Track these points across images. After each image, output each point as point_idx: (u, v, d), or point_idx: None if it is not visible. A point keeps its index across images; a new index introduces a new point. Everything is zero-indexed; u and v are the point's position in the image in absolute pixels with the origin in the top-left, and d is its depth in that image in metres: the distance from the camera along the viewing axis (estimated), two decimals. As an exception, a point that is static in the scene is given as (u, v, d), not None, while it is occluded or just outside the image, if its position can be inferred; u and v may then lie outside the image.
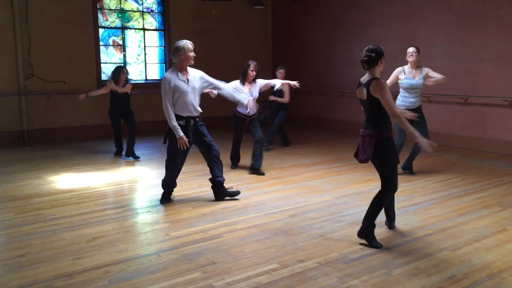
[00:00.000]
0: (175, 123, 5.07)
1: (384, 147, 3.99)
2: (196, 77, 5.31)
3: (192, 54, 5.17)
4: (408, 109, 5.96)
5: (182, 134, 5.06)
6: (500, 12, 7.99)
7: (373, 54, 3.96)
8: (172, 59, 5.22)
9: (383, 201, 4.12)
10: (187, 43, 5.15)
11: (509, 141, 8.04)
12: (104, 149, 8.68)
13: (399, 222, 4.61)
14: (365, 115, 4.13)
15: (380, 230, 4.42)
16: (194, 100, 5.23)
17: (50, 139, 9.69)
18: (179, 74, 5.20)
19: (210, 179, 5.46)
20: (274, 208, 5.12)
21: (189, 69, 5.30)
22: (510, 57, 7.93)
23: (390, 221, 4.50)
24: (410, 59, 6.42)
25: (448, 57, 8.74)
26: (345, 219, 4.73)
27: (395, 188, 4.11)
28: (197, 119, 5.30)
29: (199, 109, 5.29)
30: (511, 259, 3.75)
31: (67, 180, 6.39)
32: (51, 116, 9.79)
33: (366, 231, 4.07)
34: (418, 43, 9.15)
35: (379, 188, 4.13)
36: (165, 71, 11.35)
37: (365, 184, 6.10)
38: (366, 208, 5.03)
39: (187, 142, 5.09)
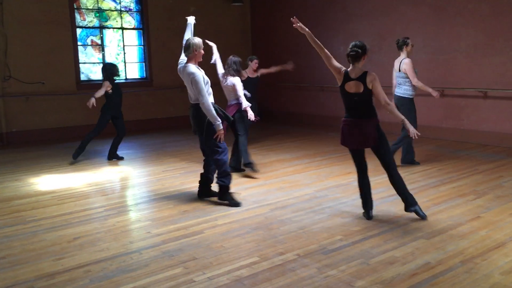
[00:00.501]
0: (216, 117, 4.96)
1: (382, 131, 4.47)
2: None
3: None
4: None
5: (222, 126, 5.03)
6: (471, 5, 8.16)
7: (359, 50, 4.39)
8: (189, 54, 5.11)
9: (399, 176, 4.58)
10: (200, 40, 5.18)
11: (483, 131, 8.22)
12: (85, 149, 8.61)
13: (377, 213, 4.71)
14: (352, 107, 4.47)
15: (358, 220, 4.51)
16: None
17: (29, 140, 9.60)
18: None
19: (202, 174, 5.40)
20: (255, 203, 5.18)
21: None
22: (483, 49, 8.11)
23: (369, 210, 4.60)
24: (409, 49, 6.69)
25: (424, 50, 8.89)
26: (324, 212, 4.81)
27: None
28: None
29: None
30: (484, 245, 3.87)
31: (48, 182, 6.36)
32: (30, 117, 9.70)
33: (410, 201, 4.53)
34: (395, 37, 9.27)
35: (361, 179, 4.59)
36: (145, 70, 11.34)
37: (344, 177, 6.20)
38: (345, 200, 5.22)
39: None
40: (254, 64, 7.74)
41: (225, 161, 5.16)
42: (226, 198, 5.18)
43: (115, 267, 3.63)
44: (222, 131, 5.02)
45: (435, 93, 6.71)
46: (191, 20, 5.68)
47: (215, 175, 5.27)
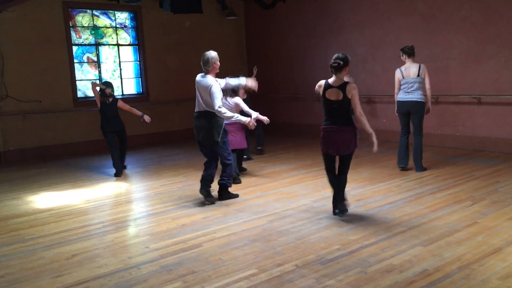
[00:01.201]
0: (233, 114, 5.57)
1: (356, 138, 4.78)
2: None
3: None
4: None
5: (245, 119, 5.62)
6: (462, 12, 8.26)
7: (341, 62, 4.69)
8: (207, 67, 5.66)
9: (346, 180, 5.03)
10: (216, 53, 5.78)
11: (479, 136, 8.27)
12: (82, 166, 8.66)
13: (374, 221, 4.74)
14: (331, 114, 4.85)
15: (355, 229, 4.53)
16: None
17: (27, 159, 9.62)
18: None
19: (204, 174, 5.80)
20: (252, 215, 5.20)
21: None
22: (476, 56, 8.19)
23: (337, 203, 4.94)
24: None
25: (417, 58, 8.91)
26: (321, 222, 4.83)
27: None
28: None
29: None
30: (481, 250, 3.89)
31: (46, 199, 6.37)
32: (27, 136, 9.73)
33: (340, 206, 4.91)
34: (387, 46, 9.43)
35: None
36: (141, 86, 11.41)
37: (341, 187, 6.21)
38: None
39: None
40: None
41: (232, 165, 5.81)
42: (227, 197, 5.84)
43: (114, 283, 3.64)
44: (250, 120, 5.65)
45: (429, 107, 6.83)
46: (243, 80, 6.28)
47: (221, 176, 5.81)
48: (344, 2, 10.31)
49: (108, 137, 7.57)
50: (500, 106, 7.99)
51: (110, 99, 7.64)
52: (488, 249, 3.91)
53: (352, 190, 5.97)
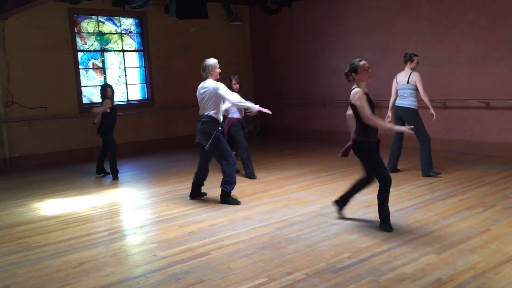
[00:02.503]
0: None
1: (362, 150, 4.67)
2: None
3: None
4: None
5: (249, 104, 6.01)
6: (470, 16, 8.20)
7: (347, 69, 4.70)
8: (205, 74, 5.92)
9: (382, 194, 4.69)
10: (215, 60, 5.93)
11: (487, 142, 8.19)
12: (88, 172, 8.63)
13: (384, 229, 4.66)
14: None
15: (365, 237, 4.46)
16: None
17: (32, 165, 9.60)
18: None
19: (194, 182, 6.27)
20: (261, 222, 5.14)
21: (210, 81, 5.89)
22: (483, 59, 8.12)
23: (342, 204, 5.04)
24: (414, 65, 6.99)
25: (424, 62, 8.88)
26: (331, 229, 4.76)
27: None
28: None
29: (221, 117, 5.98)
30: (495, 258, 3.81)
31: (52, 206, 6.33)
32: (32, 142, 9.71)
33: (380, 219, 4.69)
34: (394, 50, 9.37)
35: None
36: (147, 91, 11.39)
37: (350, 193, 6.14)
38: (352, 216, 5.15)
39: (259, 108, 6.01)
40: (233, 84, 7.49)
41: (233, 171, 5.82)
42: (227, 201, 5.90)
43: (121, 292, 3.58)
44: (259, 107, 5.95)
45: (432, 113, 6.79)
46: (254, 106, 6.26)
47: (221, 181, 5.91)
48: (350, 6, 10.27)
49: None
50: (509, 110, 7.91)
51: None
52: (503, 257, 3.83)
53: (360, 196, 5.88)
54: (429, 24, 8.82)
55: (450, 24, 8.50)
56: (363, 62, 4.59)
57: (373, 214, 5.15)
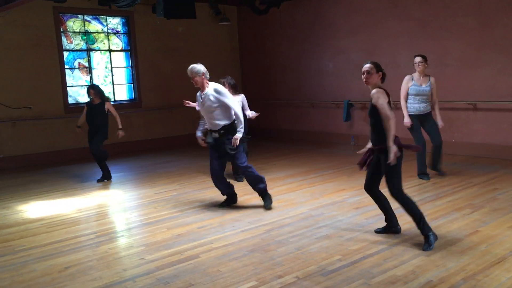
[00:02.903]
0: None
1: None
2: (209, 94, 5.46)
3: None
4: (416, 115, 6.59)
5: (198, 134, 5.78)
6: (458, 18, 8.25)
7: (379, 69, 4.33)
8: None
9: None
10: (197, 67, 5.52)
11: (475, 143, 8.24)
12: (74, 174, 8.50)
13: (374, 230, 4.64)
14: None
15: (356, 239, 4.44)
16: (206, 115, 5.55)
17: (17, 166, 9.42)
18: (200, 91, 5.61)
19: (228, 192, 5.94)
20: (250, 224, 5.09)
21: (211, 85, 5.53)
22: (471, 62, 8.17)
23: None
24: (417, 68, 6.64)
25: (412, 64, 8.92)
26: (321, 231, 4.73)
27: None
28: (220, 133, 5.50)
29: (219, 124, 5.47)
30: (485, 260, 3.81)
31: (36, 209, 6.21)
32: (17, 143, 9.53)
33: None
34: (383, 52, 9.39)
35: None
36: (134, 92, 11.28)
37: (339, 194, 6.13)
38: (341, 218, 5.16)
39: (201, 142, 5.73)
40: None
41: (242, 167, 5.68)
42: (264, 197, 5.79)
43: (108, 297, 3.51)
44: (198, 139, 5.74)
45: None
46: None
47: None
48: (339, 7, 10.27)
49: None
50: (496, 112, 7.97)
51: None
52: (492, 259, 3.83)
53: (349, 198, 5.89)
54: (417, 26, 8.85)
55: (438, 26, 8.54)
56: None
57: (363, 216, 5.14)
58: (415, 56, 6.66)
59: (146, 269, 3.99)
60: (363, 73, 4.25)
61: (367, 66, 4.26)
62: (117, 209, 6.11)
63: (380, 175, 4.38)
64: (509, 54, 7.71)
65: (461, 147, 8.43)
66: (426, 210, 5.22)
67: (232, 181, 6.29)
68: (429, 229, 4.17)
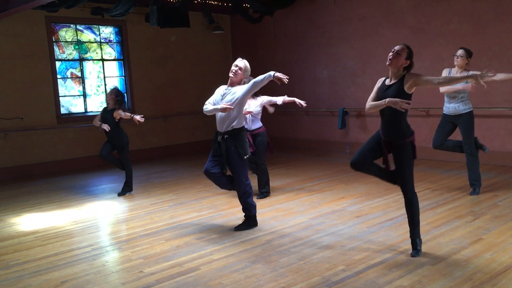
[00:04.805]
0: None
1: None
2: (231, 93, 5.53)
3: (232, 67, 5.69)
4: (452, 115, 6.31)
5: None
6: (452, 25, 8.27)
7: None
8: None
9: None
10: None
11: (472, 149, 8.22)
12: (68, 185, 8.36)
13: (377, 239, 4.58)
14: None
15: (358, 248, 4.36)
16: (220, 116, 5.25)
17: (9, 178, 9.25)
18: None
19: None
20: (249, 234, 5.00)
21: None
22: (465, 68, 8.16)
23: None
24: (455, 62, 6.12)
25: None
26: (323, 240, 4.65)
27: None
28: (225, 136, 5.09)
29: (230, 126, 5.15)
30: (491, 269, 3.76)
31: (30, 221, 6.07)
32: (9, 154, 9.37)
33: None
34: (377, 59, 9.39)
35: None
36: (127, 101, 11.17)
37: (338, 203, 6.07)
38: (342, 227, 5.08)
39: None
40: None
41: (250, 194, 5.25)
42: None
43: (108, 312, 3.40)
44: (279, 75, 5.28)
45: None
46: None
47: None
48: (332, 15, 10.28)
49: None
50: (491, 118, 7.97)
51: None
52: (499, 267, 3.78)
53: (349, 206, 5.82)
54: (412, 33, 8.87)
55: (433, 33, 8.56)
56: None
57: (364, 225, 5.08)
58: (459, 48, 6.14)
59: (145, 282, 3.89)
60: (392, 52, 3.95)
61: (399, 46, 3.97)
62: (113, 221, 5.99)
63: (377, 158, 4.16)
64: (503, 60, 7.74)
65: (457, 154, 8.39)
66: (427, 218, 5.19)
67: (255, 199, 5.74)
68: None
